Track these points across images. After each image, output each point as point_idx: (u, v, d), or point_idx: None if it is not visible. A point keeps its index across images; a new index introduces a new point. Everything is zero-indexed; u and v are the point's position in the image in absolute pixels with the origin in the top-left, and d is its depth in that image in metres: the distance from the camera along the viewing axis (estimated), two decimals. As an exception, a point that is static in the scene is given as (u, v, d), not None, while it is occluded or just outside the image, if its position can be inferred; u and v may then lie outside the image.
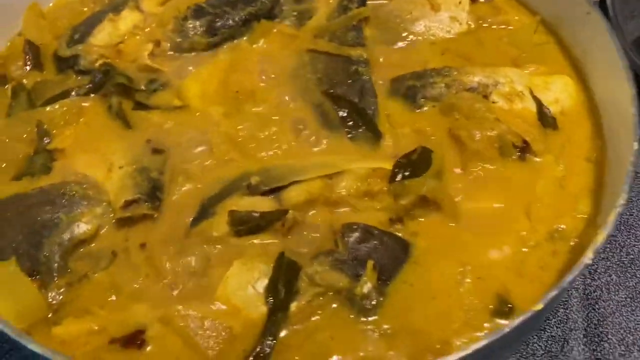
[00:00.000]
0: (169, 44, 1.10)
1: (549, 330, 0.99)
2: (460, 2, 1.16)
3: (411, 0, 1.16)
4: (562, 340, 0.97)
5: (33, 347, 0.68)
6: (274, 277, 0.81)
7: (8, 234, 0.86)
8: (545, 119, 1.00)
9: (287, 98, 1.04)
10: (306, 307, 0.80)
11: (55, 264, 0.84)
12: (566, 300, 0.99)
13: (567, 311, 0.98)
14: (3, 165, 0.98)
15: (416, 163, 0.92)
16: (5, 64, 1.10)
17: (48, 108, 1.02)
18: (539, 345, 0.98)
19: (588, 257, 0.74)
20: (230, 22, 1.12)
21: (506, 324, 0.73)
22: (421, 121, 1.01)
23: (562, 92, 1.04)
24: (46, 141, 0.99)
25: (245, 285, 0.82)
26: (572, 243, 0.88)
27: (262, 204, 0.88)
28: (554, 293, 0.72)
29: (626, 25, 1.35)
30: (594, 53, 1.04)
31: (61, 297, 0.83)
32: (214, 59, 1.10)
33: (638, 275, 1.01)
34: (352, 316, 0.80)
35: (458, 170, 0.95)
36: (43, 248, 0.85)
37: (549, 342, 0.97)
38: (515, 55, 1.10)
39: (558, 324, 0.98)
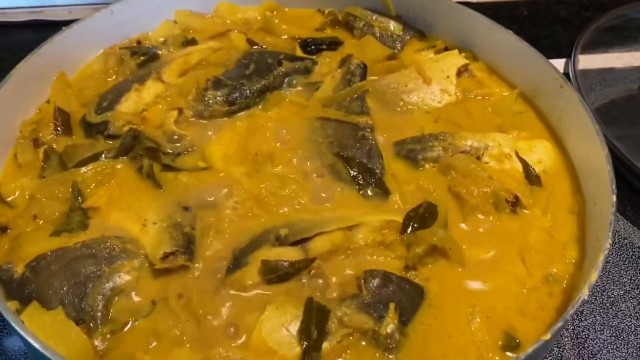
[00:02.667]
0: (191, 112, 1.21)
1: (545, 368, 1.09)
2: (448, 77, 1.31)
3: (406, 75, 1.31)
4: (558, 376, 1.07)
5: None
6: (306, 320, 0.89)
7: (54, 285, 0.92)
8: (531, 177, 1.13)
9: (302, 159, 1.15)
10: (336, 347, 0.88)
11: (99, 313, 0.90)
12: (559, 340, 1.09)
13: (561, 349, 1.09)
14: (40, 222, 1.04)
15: (423, 216, 1.03)
16: (37, 129, 1.18)
17: (82, 169, 1.09)
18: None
19: (585, 293, 0.85)
20: (247, 92, 1.24)
21: (515, 357, 0.84)
22: (423, 179, 1.13)
23: (544, 154, 1.18)
24: (80, 200, 1.06)
25: (279, 328, 0.90)
26: (564, 285, 0.99)
27: (290, 254, 0.97)
28: (559, 324, 0.83)
29: (587, 97, 1.55)
30: (569, 120, 1.20)
31: (106, 343, 0.89)
32: (232, 125, 1.21)
33: (619, 316, 1.13)
34: (377, 354, 0.89)
35: (460, 223, 1.07)
36: (87, 298, 0.91)
37: (546, 379, 1.07)
38: (499, 122, 1.25)
39: (553, 361, 1.09)
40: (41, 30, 1.71)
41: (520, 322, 0.94)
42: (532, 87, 1.30)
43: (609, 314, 1.13)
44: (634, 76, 1.64)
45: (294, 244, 0.98)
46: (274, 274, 0.94)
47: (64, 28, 1.28)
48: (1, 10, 1.71)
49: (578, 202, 1.11)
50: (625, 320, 1.12)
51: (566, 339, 1.10)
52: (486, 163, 1.14)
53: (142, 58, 1.32)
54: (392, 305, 0.90)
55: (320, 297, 0.93)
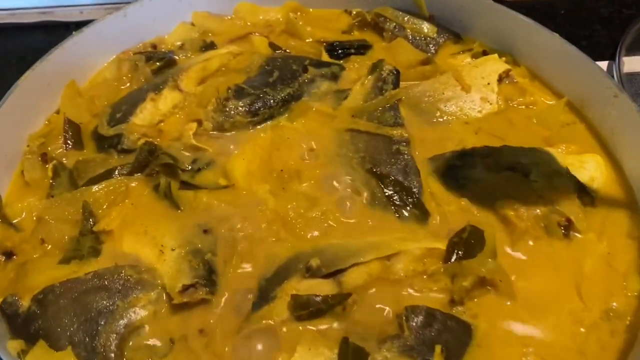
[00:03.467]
0: (211, 124, 1.11)
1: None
2: (489, 83, 1.21)
3: (442, 81, 1.21)
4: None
5: None
6: (341, 364, 0.80)
7: (63, 322, 0.83)
8: (584, 197, 1.03)
9: (331, 177, 1.06)
10: (376, 395, 0.79)
11: (112, 354, 0.82)
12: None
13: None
14: (48, 248, 0.96)
15: (468, 242, 0.94)
16: (46, 143, 1.09)
17: (94, 188, 1.01)
18: None
19: (662, 339, 0.75)
20: (271, 102, 1.14)
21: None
22: (465, 199, 1.03)
23: (596, 171, 1.08)
24: (92, 222, 0.97)
25: (312, 372, 0.81)
26: (627, 322, 0.89)
27: (323, 287, 0.87)
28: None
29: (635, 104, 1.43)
30: (623, 133, 1.09)
31: (120, 388, 0.80)
32: (255, 137, 1.12)
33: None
34: (422, 403, 0.79)
35: (507, 249, 0.97)
36: (100, 337, 0.82)
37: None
38: (546, 135, 1.15)
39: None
40: (52, 32, 1.62)
41: (580, 365, 0.84)
42: (580, 96, 1.19)
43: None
44: (684, 80, 1.52)
45: (327, 275, 0.88)
46: (305, 310, 0.85)
47: (74, 33, 1.20)
48: (10, 11, 1.62)
49: (638, 226, 1.01)
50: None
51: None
52: (534, 181, 1.03)
53: (157, 64, 1.23)
54: (438, 348, 0.81)
55: (356, 337, 0.84)
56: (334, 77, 1.23)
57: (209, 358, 0.83)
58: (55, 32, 1.62)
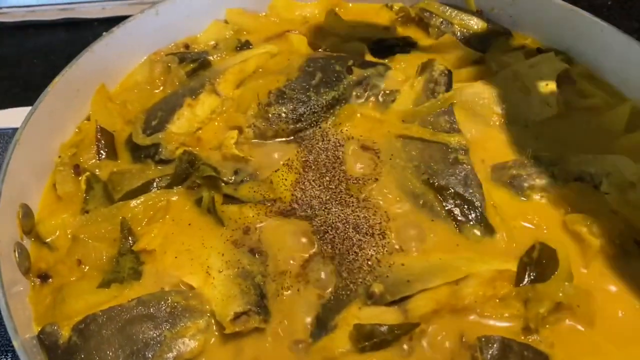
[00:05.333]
0: (252, 132, 1.04)
1: None
2: (547, 85, 1.12)
3: (497, 82, 1.12)
4: None
5: None
6: (413, 402, 0.73)
7: (107, 354, 0.77)
8: (661, 210, 0.95)
9: (384, 188, 0.98)
10: None
11: (161, 390, 0.75)
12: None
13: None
14: (86, 269, 0.89)
15: (540, 262, 0.86)
16: (77, 154, 1.02)
17: (132, 203, 0.94)
18: None
19: None
20: (315, 107, 1.06)
21: None
22: (531, 213, 0.96)
23: (671, 181, 0.99)
24: (131, 241, 0.91)
25: (379, 410, 0.74)
26: None
27: (387, 316, 0.80)
28: None
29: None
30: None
31: None
32: (299, 146, 1.04)
33: None
34: None
35: (581, 269, 0.89)
36: (147, 371, 0.76)
37: None
38: (611, 141, 1.07)
39: None
40: (73, 29, 1.55)
41: (671, 401, 0.77)
42: (645, 98, 1.11)
43: None
44: None
45: (391, 302, 0.81)
46: (369, 341, 0.78)
47: (104, 34, 1.12)
48: (29, 8, 1.56)
49: None
50: None
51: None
52: (606, 194, 0.95)
53: (191, 66, 1.16)
54: (516, 383, 0.74)
55: (425, 370, 0.77)
56: (380, 78, 1.15)
57: (266, 394, 0.76)
58: (76, 29, 1.55)
